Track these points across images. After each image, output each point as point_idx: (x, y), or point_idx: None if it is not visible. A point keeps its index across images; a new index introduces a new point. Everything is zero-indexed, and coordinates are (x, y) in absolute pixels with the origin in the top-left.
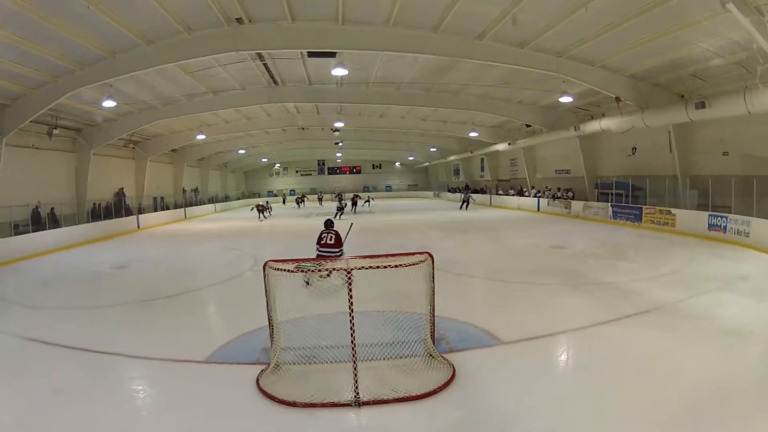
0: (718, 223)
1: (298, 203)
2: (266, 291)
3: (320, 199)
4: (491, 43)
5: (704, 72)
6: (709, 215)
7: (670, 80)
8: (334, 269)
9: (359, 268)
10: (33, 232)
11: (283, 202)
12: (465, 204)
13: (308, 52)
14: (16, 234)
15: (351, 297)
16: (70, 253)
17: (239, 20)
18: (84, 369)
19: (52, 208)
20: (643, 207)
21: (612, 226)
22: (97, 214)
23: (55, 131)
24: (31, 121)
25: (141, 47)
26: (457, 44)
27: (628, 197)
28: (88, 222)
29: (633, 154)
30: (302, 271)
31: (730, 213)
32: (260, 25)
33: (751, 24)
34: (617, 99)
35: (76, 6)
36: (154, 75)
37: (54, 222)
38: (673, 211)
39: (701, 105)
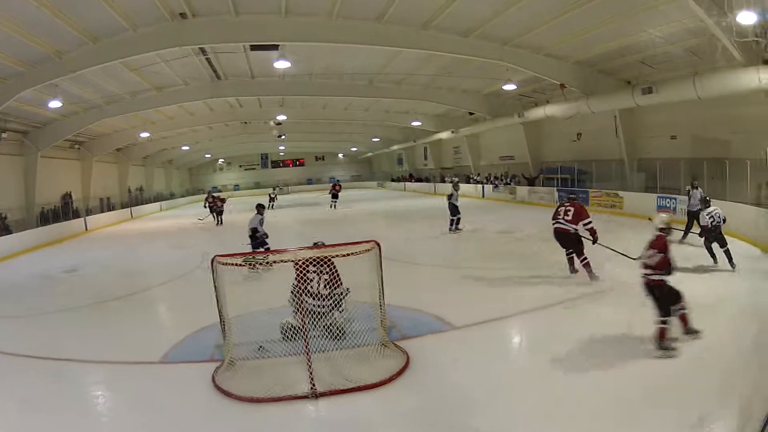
0: (668, 205)
1: (214, 213)
2: (215, 287)
3: (272, 199)
4: (436, 33)
5: (652, 59)
6: (658, 197)
7: (616, 67)
8: (281, 261)
9: (307, 259)
10: None
11: (210, 209)
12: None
13: (251, 46)
14: None
15: (303, 288)
16: (20, 259)
17: (183, 15)
18: (44, 378)
19: (1, 214)
20: (590, 190)
21: None
22: (46, 218)
23: (3, 135)
24: None
25: (86, 45)
26: (402, 35)
27: (573, 181)
28: (37, 227)
29: (578, 139)
30: (250, 264)
31: (679, 195)
32: (204, 20)
33: (703, 11)
34: (562, 86)
35: (21, 4)
36: (99, 73)
37: (5, 229)
38: (621, 193)
39: (648, 90)
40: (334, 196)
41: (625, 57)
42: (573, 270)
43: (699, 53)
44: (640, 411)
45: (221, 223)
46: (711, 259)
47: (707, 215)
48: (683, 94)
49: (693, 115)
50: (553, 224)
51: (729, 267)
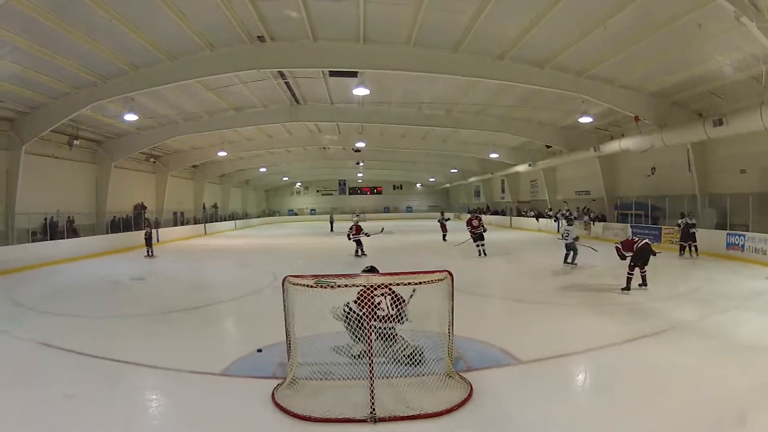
0: (736, 242)
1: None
2: (285, 306)
3: (443, 224)
4: (511, 63)
5: (721, 89)
6: (727, 234)
7: (688, 98)
8: (353, 285)
9: (379, 286)
10: (50, 240)
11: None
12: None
13: (329, 72)
14: (33, 241)
15: (369, 313)
16: (87, 262)
17: (261, 38)
18: (97, 376)
19: (69, 218)
20: (662, 227)
21: None
22: (117, 226)
23: (75, 142)
24: (51, 131)
25: (163, 63)
26: (477, 64)
27: (647, 217)
28: (107, 233)
29: (652, 173)
30: (322, 287)
31: (748, 231)
32: (282, 44)
33: (765, 37)
34: (636, 118)
35: (97, 19)
36: (176, 90)
37: (72, 231)
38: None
39: (719, 122)
40: (478, 237)
41: (697, 87)
42: (629, 288)
43: (765, 81)
44: None
45: (363, 252)
46: None
47: None
48: (751, 125)
49: (762, 147)
50: (645, 240)
51: None
